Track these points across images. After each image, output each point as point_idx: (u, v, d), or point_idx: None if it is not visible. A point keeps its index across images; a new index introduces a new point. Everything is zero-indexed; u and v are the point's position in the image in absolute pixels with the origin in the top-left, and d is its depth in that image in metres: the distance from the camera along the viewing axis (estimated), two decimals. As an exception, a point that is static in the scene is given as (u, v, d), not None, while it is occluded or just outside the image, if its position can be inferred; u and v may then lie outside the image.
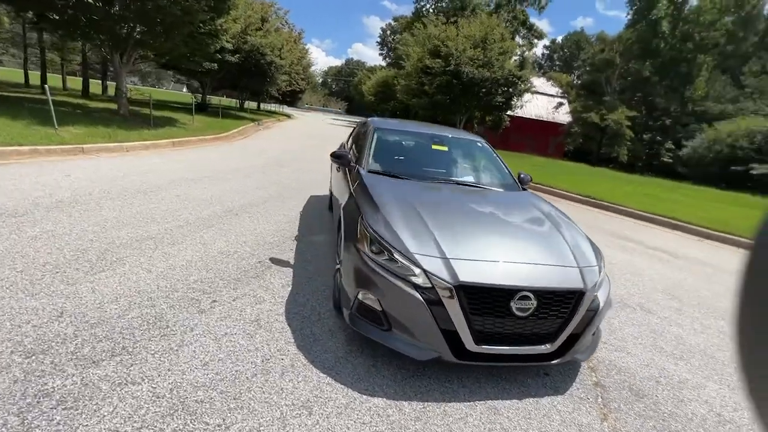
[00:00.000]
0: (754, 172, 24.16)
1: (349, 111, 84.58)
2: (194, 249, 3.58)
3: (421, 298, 2.04)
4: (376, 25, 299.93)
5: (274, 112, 33.16)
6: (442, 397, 2.13)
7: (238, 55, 17.81)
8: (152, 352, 2.13)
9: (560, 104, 35.79)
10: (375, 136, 3.75)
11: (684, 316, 3.80)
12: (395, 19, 57.96)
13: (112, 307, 2.48)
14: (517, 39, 21.49)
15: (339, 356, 2.35)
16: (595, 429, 2.07)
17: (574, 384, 2.44)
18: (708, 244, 7.40)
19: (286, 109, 41.65)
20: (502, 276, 2.08)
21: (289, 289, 3.11)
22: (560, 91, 37.35)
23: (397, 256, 2.15)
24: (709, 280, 5.08)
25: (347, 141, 5.38)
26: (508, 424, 2.01)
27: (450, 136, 4.14)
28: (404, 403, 2.05)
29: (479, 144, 4.18)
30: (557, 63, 60.59)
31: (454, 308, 2.02)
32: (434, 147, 3.86)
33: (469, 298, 2.04)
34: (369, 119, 4.48)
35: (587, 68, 34.89)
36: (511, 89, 21.48)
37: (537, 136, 34.37)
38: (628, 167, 29.50)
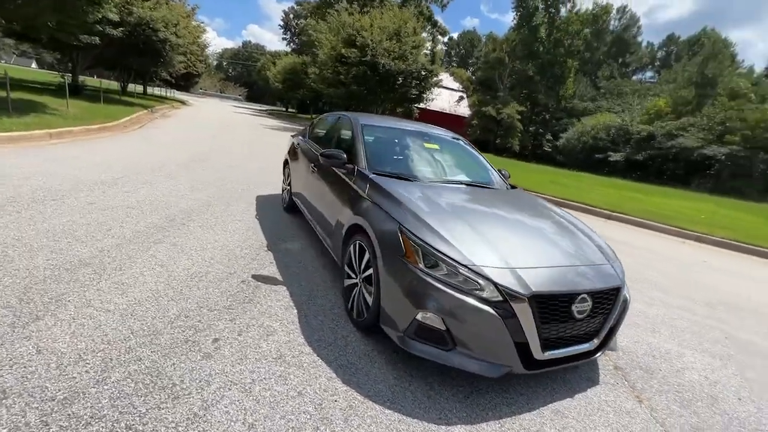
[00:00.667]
0: (610, 158, 29.51)
1: (251, 98, 78.66)
2: (153, 273, 2.87)
3: (495, 313, 1.92)
4: (272, 6, 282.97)
5: (165, 98, 29.01)
6: (511, 410, 2.06)
7: (122, 28, 14.95)
8: (173, 425, 1.62)
9: (461, 98, 38.62)
10: (364, 134, 3.44)
11: (634, 291, 4.40)
12: (299, 3, 55.27)
13: (80, 372, 1.82)
14: (423, 34, 22.29)
15: (391, 384, 2.10)
16: (640, 413, 2.23)
17: (600, 371, 2.60)
18: (612, 224, 8.75)
19: (178, 95, 36.76)
20: (565, 282, 2.08)
21: (295, 312, 2.70)
22: (460, 86, 40.27)
23: (462, 270, 1.98)
24: (632, 255, 6.00)
25: (301, 138, 4.89)
26: (578, 425, 2.04)
27: (434, 133, 4.03)
28: (483, 425, 1.92)
29: (461, 142, 4.17)
30: (454, 59, 65.12)
31: (527, 319, 1.95)
32: (427, 146, 3.71)
33: (540, 307, 1.99)
34: (345, 114, 4.12)
35: (482, 65, 38.17)
36: (423, 82, 22.33)
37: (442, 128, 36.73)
38: (520, 156, 33.40)
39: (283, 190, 5.34)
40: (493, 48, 37.81)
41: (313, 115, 47.43)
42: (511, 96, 34.84)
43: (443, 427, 1.86)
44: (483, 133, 35.36)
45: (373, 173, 2.92)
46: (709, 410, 2.39)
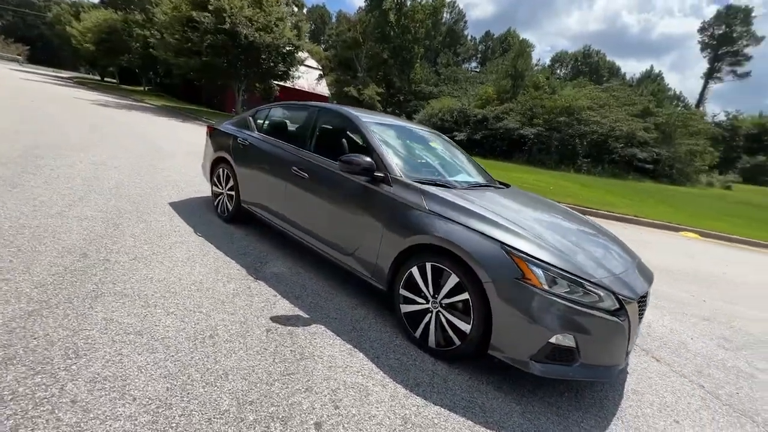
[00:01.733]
0: (456, 138, 34.08)
1: (37, 60, 58.95)
2: (145, 358, 1.94)
3: (620, 321, 2.00)
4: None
5: None
6: (603, 400, 2.24)
7: None
8: None
9: (321, 76, 37.86)
10: (373, 133, 2.99)
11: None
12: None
13: None
14: (284, 6, 20.63)
15: (524, 412, 2.00)
16: (665, 370, 2.73)
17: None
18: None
19: None
20: (640, 283, 2.31)
21: (361, 355, 2.25)
22: (318, 63, 39.35)
23: (589, 286, 1.99)
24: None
25: (244, 131, 3.98)
26: (652, 398, 2.36)
27: (425, 129, 3.80)
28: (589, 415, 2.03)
29: (445, 138, 4.07)
30: (306, 35, 62.71)
31: (634, 320, 2.11)
32: (432, 145, 3.47)
33: (640, 308, 2.18)
34: (328, 107, 3.46)
35: (340, 45, 38.06)
36: (290, 58, 20.89)
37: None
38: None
39: (216, 196, 4.28)
40: (348, 28, 37.97)
41: (147, 87, 38.74)
42: (369, 77, 36.01)
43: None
44: (346, 114, 35.79)
45: (418, 182, 2.60)
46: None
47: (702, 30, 50.55)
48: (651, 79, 46.66)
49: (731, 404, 2.45)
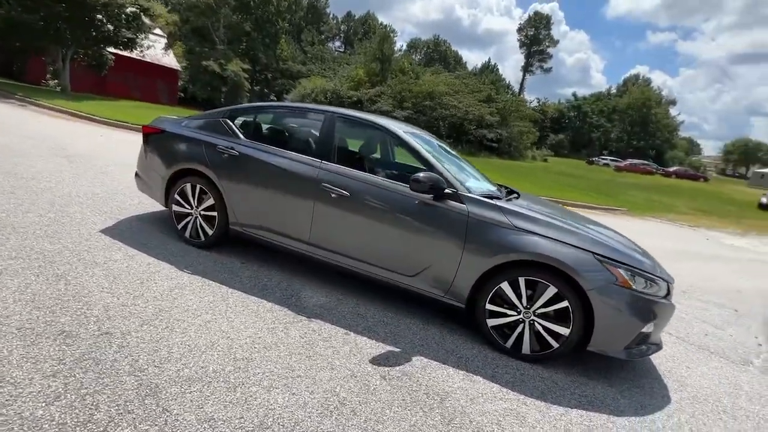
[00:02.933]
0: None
1: None
2: None
3: (672, 304, 2.52)
4: None
5: None
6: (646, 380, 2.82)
7: None
8: None
9: (168, 45, 32.02)
10: (420, 145, 2.83)
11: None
12: None
13: None
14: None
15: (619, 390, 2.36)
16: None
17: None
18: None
19: None
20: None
21: (479, 378, 2.26)
22: (164, 30, 33.08)
23: (655, 279, 2.42)
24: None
25: (227, 140, 3.26)
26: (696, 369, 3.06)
27: (417, 130, 3.65)
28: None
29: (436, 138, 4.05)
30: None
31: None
32: (443, 149, 3.43)
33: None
34: (353, 115, 3.05)
35: (192, 10, 32.70)
36: (135, 22, 17.04)
37: (144, 80, 29.62)
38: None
39: (179, 218, 3.40)
40: (199, -10, 32.84)
41: None
42: (231, 50, 32.26)
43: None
44: (206, 91, 31.52)
45: (489, 198, 2.65)
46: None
47: (519, 30, 61.78)
48: (489, 69, 55.08)
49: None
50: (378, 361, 2.25)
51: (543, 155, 41.28)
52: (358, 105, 34.07)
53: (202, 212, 3.30)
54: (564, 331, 2.39)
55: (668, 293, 2.55)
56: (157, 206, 4.20)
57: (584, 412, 2.13)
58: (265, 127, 3.34)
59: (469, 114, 33.50)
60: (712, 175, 46.47)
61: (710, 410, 2.37)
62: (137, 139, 10.45)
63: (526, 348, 2.50)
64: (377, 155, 3.66)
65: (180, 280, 2.75)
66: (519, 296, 2.46)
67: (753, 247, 9.59)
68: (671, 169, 40.68)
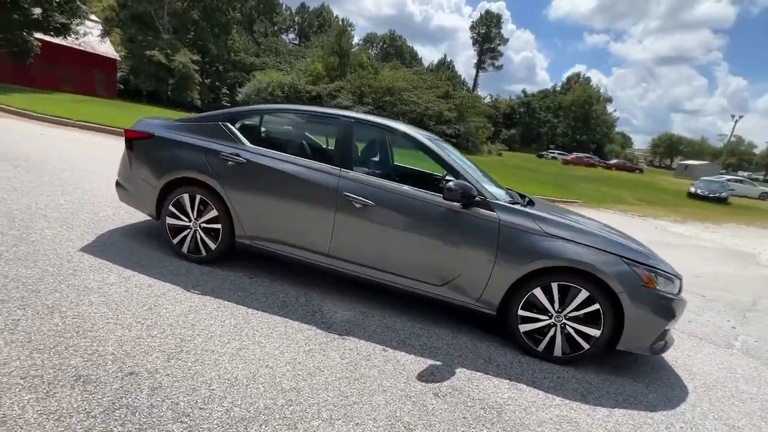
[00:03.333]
0: (291, 115, 32.95)
1: None
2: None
3: (684, 300, 2.70)
4: None
5: None
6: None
7: None
8: None
9: (106, 33, 29.24)
10: (447, 153, 2.78)
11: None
12: None
13: None
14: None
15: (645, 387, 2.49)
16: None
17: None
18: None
19: None
20: None
21: (530, 388, 2.27)
22: (99, 16, 30.11)
23: (672, 278, 2.57)
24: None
25: (236, 148, 3.00)
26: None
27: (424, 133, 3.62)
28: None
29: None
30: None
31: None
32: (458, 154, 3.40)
33: None
34: (372, 121, 2.90)
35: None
36: (70, 5, 15.33)
37: (77, 71, 26.88)
38: (203, 111, 30.68)
39: (175, 232, 3.09)
40: (137, -28, 30.16)
41: None
42: (177, 40, 30.11)
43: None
44: (151, 83, 29.23)
45: (518, 205, 2.66)
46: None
47: (472, 28, 63.56)
48: (446, 66, 56.18)
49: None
50: (424, 377, 2.19)
51: (498, 150, 43.04)
52: (317, 100, 33.37)
53: (203, 225, 3.03)
54: (595, 332, 2.48)
55: (680, 290, 2.72)
56: (135, 216, 3.82)
57: (624, 410, 2.22)
58: (271, 131, 3.12)
59: (429, 110, 34.01)
60: (644, 167, 51.07)
61: (722, 396, 2.57)
62: (88, 138, 9.54)
63: (558, 351, 2.56)
64: (398, 162, 3.58)
65: (191, 303, 2.50)
66: (551, 301, 2.51)
67: (694, 234, 10.65)
68: (612, 162, 44.10)
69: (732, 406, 2.46)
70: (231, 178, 2.91)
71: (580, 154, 42.97)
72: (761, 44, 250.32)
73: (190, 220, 3.05)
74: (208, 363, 1.97)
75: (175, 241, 3.11)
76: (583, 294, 2.45)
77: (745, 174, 54.54)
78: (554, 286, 2.49)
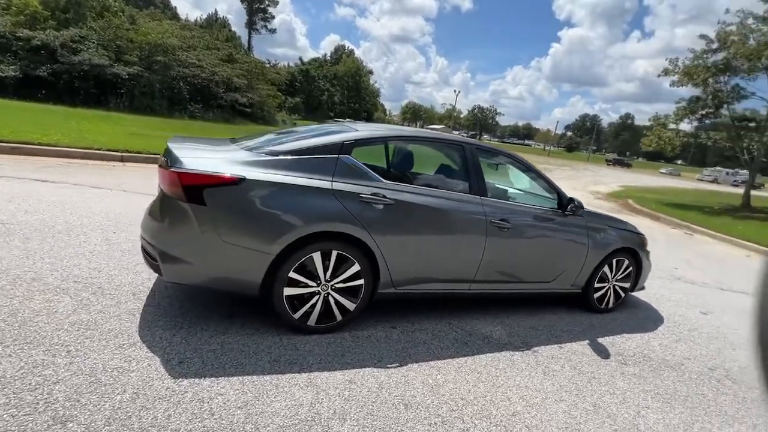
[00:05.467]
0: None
1: None
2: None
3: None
4: None
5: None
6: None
7: None
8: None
9: None
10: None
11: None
12: None
13: None
14: None
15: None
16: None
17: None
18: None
19: None
20: None
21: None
22: None
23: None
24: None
25: (374, 188, 2.41)
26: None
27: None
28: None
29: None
30: None
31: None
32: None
33: None
34: (507, 152, 2.81)
35: None
36: None
37: None
38: None
39: (299, 302, 2.32)
40: None
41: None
42: None
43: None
44: None
45: (582, 209, 3.47)
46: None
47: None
48: (220, 23, 49.02)
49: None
50: (603, 352, 2.82)
51: (293, 120, 42.90)
52: (43, 51, 23.36)
53: (338, 284, 2.42)
54: (628, 284, 3.72)
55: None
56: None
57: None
58: (394, 162, 2.65)
59: (216, 76, 30.04)
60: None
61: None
62: None
63: (610, 304, 3.68)
64: (512, 184, 3.81)
65: (435, 377, 2.16)
66: (612, 271, 3.56)
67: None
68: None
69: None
70: (380, 224, 2.43)
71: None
72: (453, 34, 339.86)
73: (318, 284, 2.36)
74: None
75: (297, 315, 2.35)
76: (627, 262, 3.61)
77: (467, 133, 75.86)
78: (614, 261, 3.53)
